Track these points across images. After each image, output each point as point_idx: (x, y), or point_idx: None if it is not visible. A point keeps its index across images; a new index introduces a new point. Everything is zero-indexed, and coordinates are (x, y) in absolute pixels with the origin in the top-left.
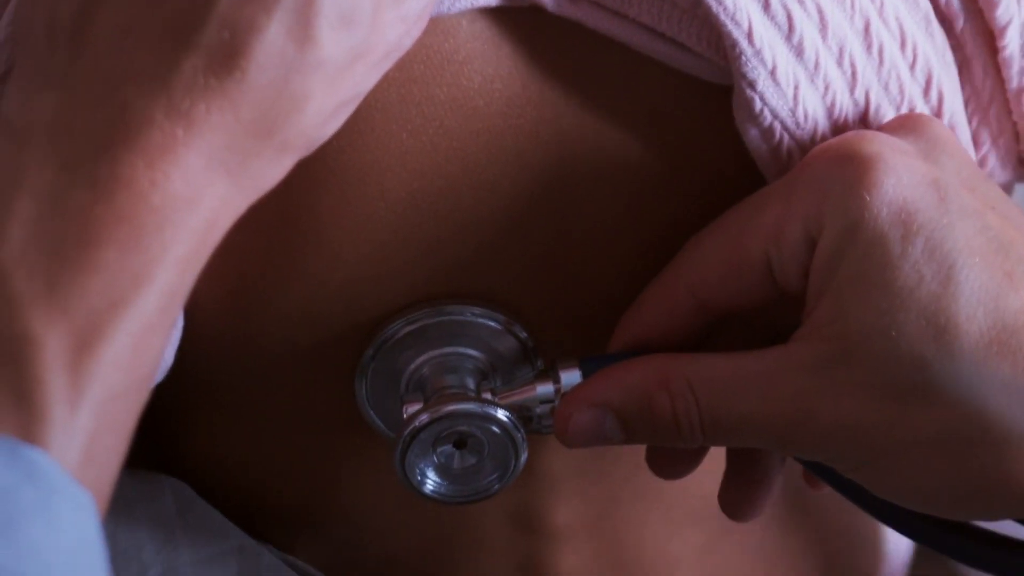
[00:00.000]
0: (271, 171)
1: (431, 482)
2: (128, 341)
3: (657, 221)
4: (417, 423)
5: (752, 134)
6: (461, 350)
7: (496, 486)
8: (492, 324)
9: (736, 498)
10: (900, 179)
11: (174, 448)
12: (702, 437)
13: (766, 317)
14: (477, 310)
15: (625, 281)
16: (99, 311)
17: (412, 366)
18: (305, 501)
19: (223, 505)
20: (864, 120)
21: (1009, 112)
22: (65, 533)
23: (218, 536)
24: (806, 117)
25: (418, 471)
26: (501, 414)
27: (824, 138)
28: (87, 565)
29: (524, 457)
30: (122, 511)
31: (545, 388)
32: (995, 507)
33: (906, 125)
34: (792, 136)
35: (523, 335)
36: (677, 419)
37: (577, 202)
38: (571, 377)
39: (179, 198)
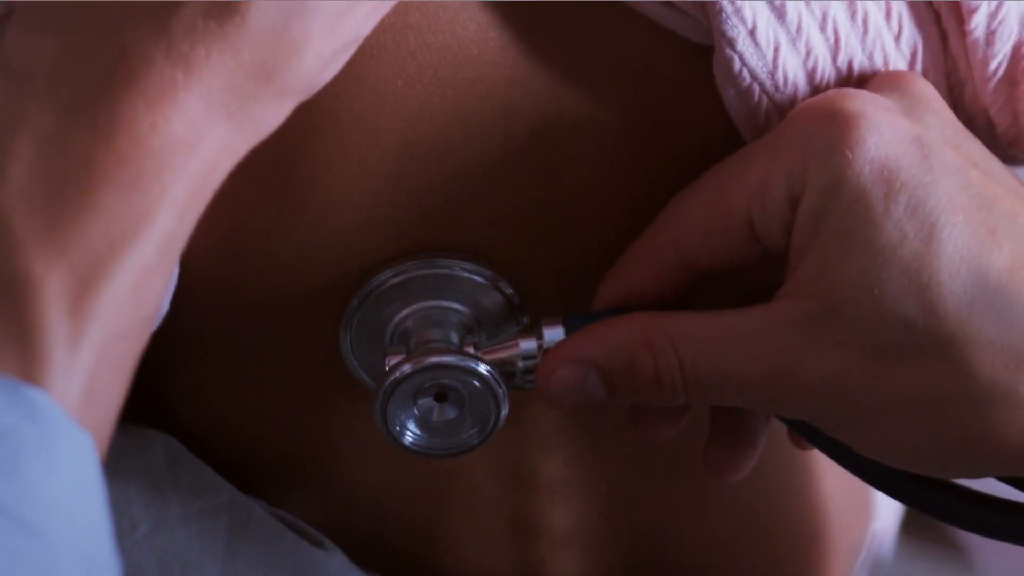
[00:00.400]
0: (271, 115)
1: (411, 434)
2: (128, 283)
3: (643, 179)
4: (398, 374)
5: (730, 94)
6: (446, 304)
7: (476, 440)
8: (478, 279)
9: (720, 457)
10: (883, 136)
11: (165, 402)
12: (684, 396)
13: (749, 275)
14: (464, 264)
15: (611, 238)
16: (99, 253)
17: (397, 318)
18: (296, 454)
19: (213, 461)
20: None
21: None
22: (65, 472)
23: (208, 491)
24: (786, 81)
25: (398, 422)
26: (483, 368)
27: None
28: (87, 504)
29: (505, 412)
30: (111, 467)
31: (528, 344)
32: (978, 465)
33: (890, 83)
34: (771, 99)
35: (509, 291)
36: (659, 377)
37: (565, 157)
38: (554, 334)
39: (179, 141)
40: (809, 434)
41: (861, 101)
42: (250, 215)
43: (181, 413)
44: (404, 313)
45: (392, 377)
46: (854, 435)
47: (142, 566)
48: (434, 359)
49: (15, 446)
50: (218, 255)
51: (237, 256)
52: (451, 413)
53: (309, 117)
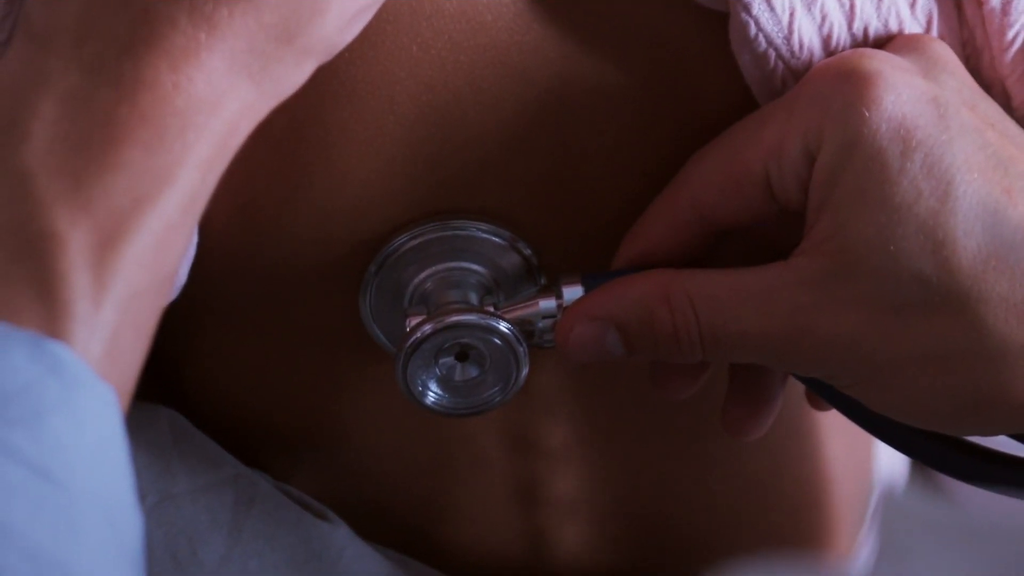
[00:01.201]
0: (292, 76)
1: (432, 394)
2: (151, 240)
3: (657, 142)
4: (420, 334)
5: (746, 59)
6: (465, 265)
7: (497, 398)
8: (496, 240)
9: (738, 416)
10: (900, 95)
11: (175, 375)
12: (702, 352)
13: (767, 233)
14: (482, 226)
15: (627, 199)
16: (122, 209)
17: (416, 281)
18: (306, 426)
19: (220, 435)
20: None
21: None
22: (88, 427)
23: (214, 465)
24: (801, 46)
25: (419, 382)
26: (503, 326)
27: None
28: (110, 457)
29: (525, 371)
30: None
31: (547, 303)
32: (990, 422)
33: (908, 44)
34: (787, 65)
35: (527, 251)
36: (677, 333)
37: (579, 121)
38: (573, 292)
39: (202, 100)
40: (825, 392)
41: (879, 61)
42: (266, 182)
43: (191, 385)
44: (423, 276)
45: (413, 337)
46: (868, 392)
47: (148, 539)
48: (455, 318)
49: (39, 399)
50: (234, 223)
51: (253, 224)
52: (472, 372)
53: (325, 83)
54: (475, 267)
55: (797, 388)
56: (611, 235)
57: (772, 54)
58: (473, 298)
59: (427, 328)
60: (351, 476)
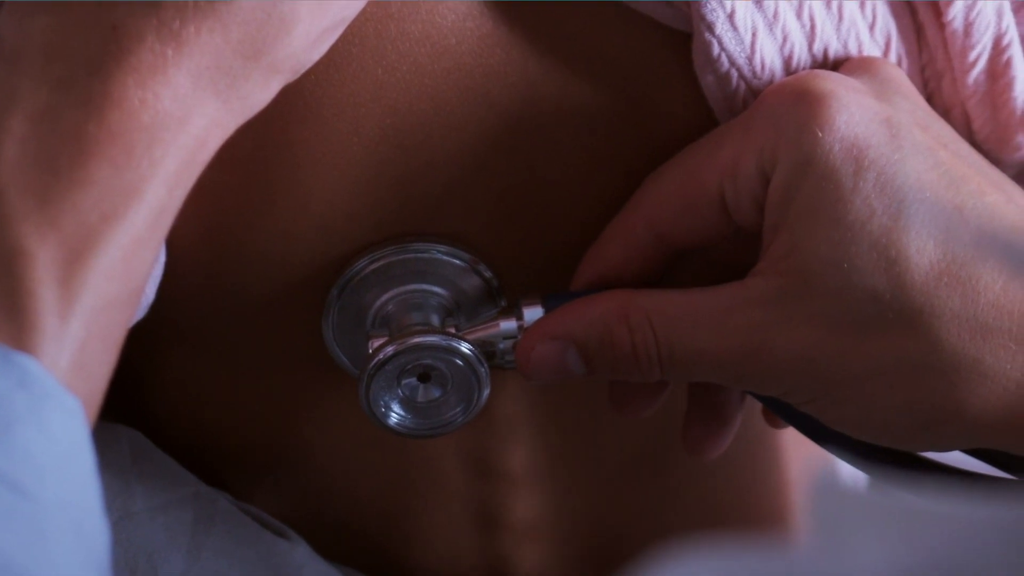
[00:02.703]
0: (259, 93)
1: (395, 415)
2: (118, 254)
3: (619, 165)
4: (382, 355)
5: (709, 80)
6: (426, 287)
7: (460, 419)
8: (457, 262)
9: (697, 435)
10: (852, 116)
11: (136, 396)
12: (660, 371)
13: (724, 253)
14: (442, 248)
15: (588, 222)
16: (90, 225)
17: (378, 303)
18: (269, 443)
19: (182, 453)
20: None
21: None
22: (57, 438)
23: (173, 483)
24: (763, 66)
25: (382, 403)
26: (465, 347)
27: None
28: (77, 469)
29: (487, 391)
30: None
31: (508, 324)
32: (945, 437)
33: (861, 66)
34: (748, 85)
35: (488, 274)
36: (636, 352)
37: (541, 144)
38: (534, 313)
39: (169, 117)
40: (781, 410)
41: (832, 82)
42: (230, 203)
43: (153, 403)
44: (385, 298)
45: (376, 359)
46: (824, 409)
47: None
48: (417, 339)
49: (7, 411)
50: (199, 243)
51: (218, 244)
52: (435, 393)
53: (290, 105)
54: (436, 289)
55: (757, 407)
56: (573, 257)
57: (735, 74)
58: (435, 320)
59: (389, 350)
60: (312, 497)
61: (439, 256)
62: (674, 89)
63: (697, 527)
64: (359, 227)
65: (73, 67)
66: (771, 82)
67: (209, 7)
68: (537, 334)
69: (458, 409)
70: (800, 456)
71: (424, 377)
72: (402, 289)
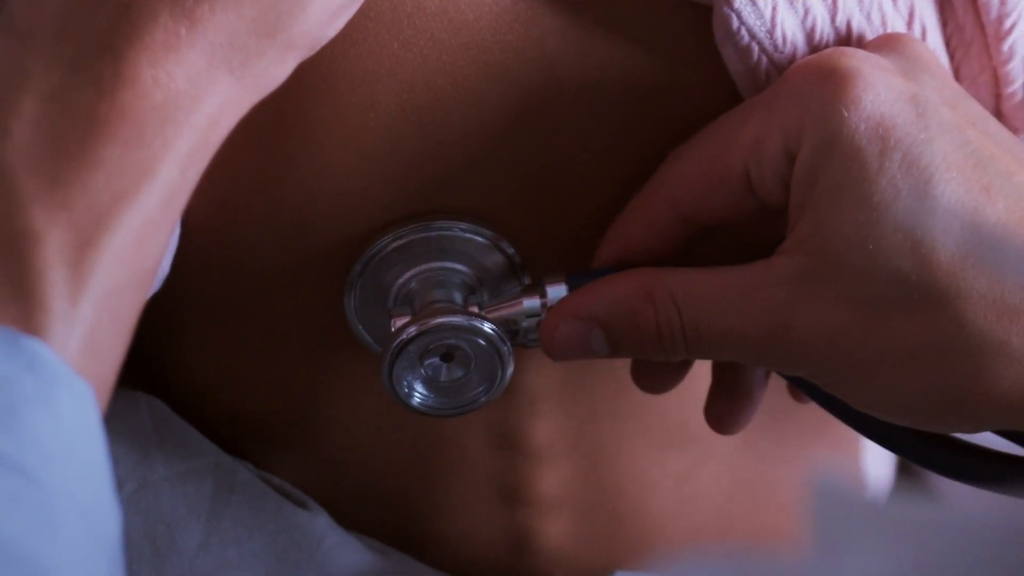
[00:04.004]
0: (274, 71)
1: (418, 395)
2: (130, 236)
3: (641, 142)
4: (405, 335)
5: (729, 52)
6: (449, 265)
7: (483, 399)
8: (479, 240)
9: (720, 411)
10: (878, 95)
11: (156, 364)
12: (684, 350)
13: (747, 231)
14: (465, 225)
15: (610, 199)
16: (102, 206)
17: (400, 280)
18: (287, 418)
19: (202, 422)
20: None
21: (989, 53)
22: (65, 422)
23: (193, 452)
24: (784, 40)
25: (405, 384)
26: (487, 327)
27: None
28: (87, 453)
29: (510, 370)
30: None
31: (531, 302)
32: (972, 418)
33: (887, 44)
34: (770, 59)
35: (510, 251)
36: (660, 332)
37: (561, 120)
38: (557, 291)
39: (182, 96)
40: (808, 389)
41: (858, 59)
42: (247, 179)
43: (172, 374)
44: (407, 275)
45: (399, 339)
46: (850, 390)
47: (126, 526)
48: (439, 319)
49: (14, 395)
50: (215, 217)
51: (234, 219)
52: (458, 372)
53: (306, 80)
54: (459, 267)
55: (783, 386)
56: (594, 234)
57: (755, 47)
58: (457, 298)
59: (412, 330)
60: (332, 469)
61: (461, 234)
62: (697, 65)
63: (725, 504)
64: (377, 203)
65: (85, 47)
66: (793, 55)
67: None
68: (561, 314)
69: (481, 388)
70: (828, 436)
71: (447, 356)
72: (425, 267)
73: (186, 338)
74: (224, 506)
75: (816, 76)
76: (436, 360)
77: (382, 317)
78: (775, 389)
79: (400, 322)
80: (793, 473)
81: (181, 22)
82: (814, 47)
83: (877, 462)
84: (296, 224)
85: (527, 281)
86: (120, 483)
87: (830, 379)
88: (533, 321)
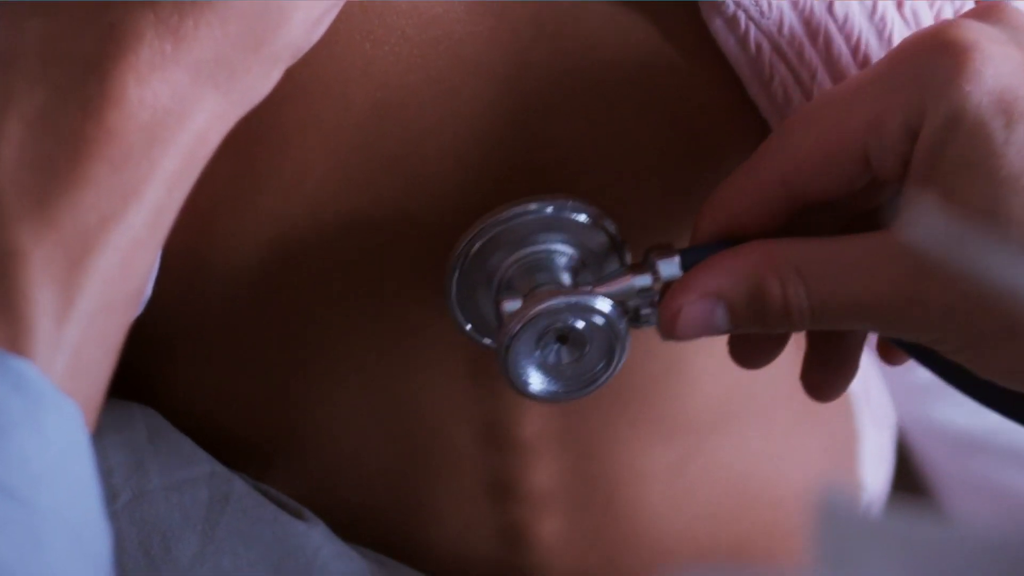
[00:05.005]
0: (261, 84)
1: (537, 381)
2: (117, 256)
3: (621, 126)
4: (519, 320)
5: (717, 24)
6: (550, 247)
7: (602, 378)
8: (581, 219)
9: (818, 380)
10: (998, 67)
11: (144, 379)
12: (810, 322)
13: (848, 203)
14: (568, 204)
15: (595, 186)
16: (89, 226)
17: (503, 267)
18: (278, 432)
19: (194, 436)
20: (831, 11)
21: None
22: (53, 442)
23: (189, 462)
24: (770, 5)
25: (522, 371)
26: (605, 304)
27: (792, 28)
28: (76, 474)
29: (627, 349)
30: (92, 438)
31: (642, 279)
32: None
33: (990, 14)
34: (758, 26)
35: (611, 228)
36: (788, 305)
37: (537, 111)
38: (669, 268)
39: (168, 114)
40: (921, 355)
41: (973, 31)
42: (224, 189)
43: (160, 391)
44: (509, 260)
45: (513, 325)
46: (975, 358)
47: (121, 536)
48: (554, 300)
49: (1, 416)
50: (195, 235)
51: (212, 230)
52: (574, 354)
53: (279, 88)
54: (561, 247)
55: (775, 379)
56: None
57: (742, 16)
58: (565, 279)
59: (526, 314)
60: (324, 476)
61: (563, 213)
62: (678, 42)
63: (718, 500)
64: (354, 204)
65: (70, 67)
66: (780, 20)
67: (207, 1)
68: (685, 291)
69: (600, 367)
70: (821, 438)
71: (562, 339)
72: (527, 251)
73: (167, 357)
74: (220, 516)
75: (933, 50)
76: (552, 344)
77: (485, 305)
78: (766, 382)
79: (510, 306)
80: (786, 470)
81: (166, 39)
82: (800, 10)
83: (875, 468)
84: (272, 230)
85: (628, 260)
86: (115, 493)
87: (954, 347)
88: (641, 300)
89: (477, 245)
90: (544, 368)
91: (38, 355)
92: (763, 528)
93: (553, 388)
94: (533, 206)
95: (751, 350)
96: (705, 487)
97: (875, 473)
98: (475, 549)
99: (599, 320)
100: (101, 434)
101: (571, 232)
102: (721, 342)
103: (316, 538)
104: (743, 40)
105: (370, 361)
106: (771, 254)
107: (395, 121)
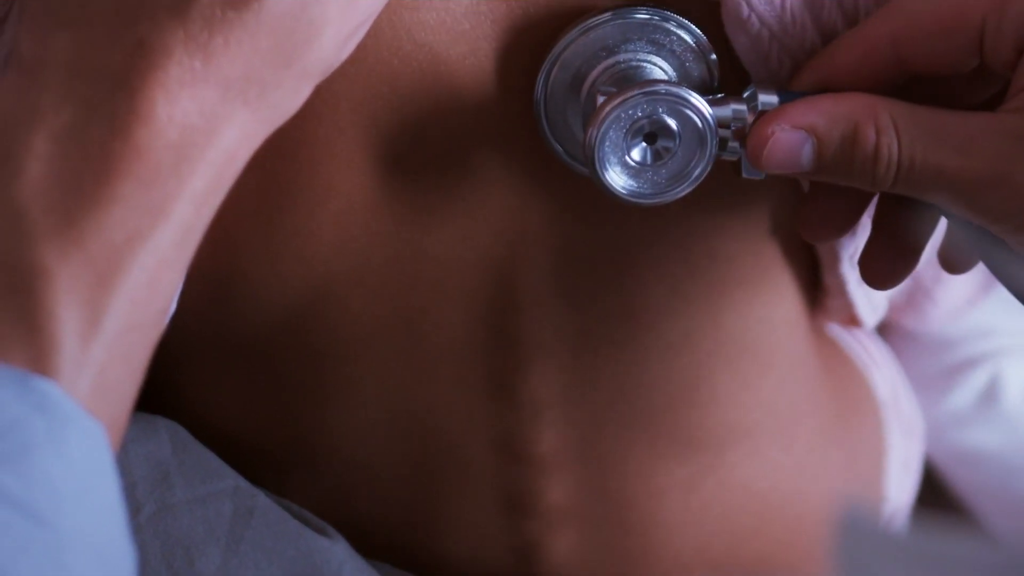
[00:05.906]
0: (290, 100)
1: (622, 178)
2: (144, 275)
3: None
4: (612, 103)
5: (742, 42)
6: (654, 59)
7: (679, 187)
8: (689, 39)
9: (879, 268)
10: None
11: (167, 395)
12: (894, 180)
13: (951, 88)
14: (677, 21)
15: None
16: (116, 245)
17: (604, 66)
18: (297, 438)
19: (212, 449)
20: None
21: None
22: (76, 463)
23: (213, 476)
24: (794, 21)
25: (608, 165)
26: (701, 103)
27: None
28: (99, 495)
29: (711, 164)
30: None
31: (738, 105)
32: None
33: None
34: (781, 44)
35: (712, 57)
36: (878, 155)
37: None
38: (768, 100)
39: (197, 132)
40: (986, 249)
41: None
42: (249, 204)
43: (179, 403)
44: (610, 62)
45: (607, 108)
46: None
47: (145, 549)
48: (650, 87)
49: (24, 437)
50: (217, 244)
51: (236, 246)
52: (661, 152)
53: (307, 102)
54: (661, 61)
55: (796, 393)
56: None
57: (766, 34)
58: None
59: (624, 95)
60: (340, 489)
61: (673, 30)
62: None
63: (734, 516)
64: (378, 220)
65: (98, 83)
66: (802, 37)
67: (237, 17)
68: (778, 119)
69: (694, 164)
70: (845, 451)
71: (651, 138)
72: (631, 56)
73: (192, 371)
74: (243, 530)
75: None
76: (640, 141)
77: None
78: (788, 399)
79: (607, 92)
80: (809, 485)
81: (196, 56)
82: (820, 24)
83: (899, 480)
84: (299, 247)
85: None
86: (138, 506)
87: None
88: (734, 126)
89: (573, 44)
90: (628, 167)
91: (63, 375)
92: (783, 544)
93: (637, 187)
94: (643, 12)
95: (821, 220)
96: (722, 503)
97: (901, 484)
98: (490, 563)
99: (695, 118)
100: (126, 447)
101: (675, 51)
102: (740, 361)
103: (339, 555)
104: (766, 58)
105: (388, 376)
106: (873, 104)
107: (418, 140)
